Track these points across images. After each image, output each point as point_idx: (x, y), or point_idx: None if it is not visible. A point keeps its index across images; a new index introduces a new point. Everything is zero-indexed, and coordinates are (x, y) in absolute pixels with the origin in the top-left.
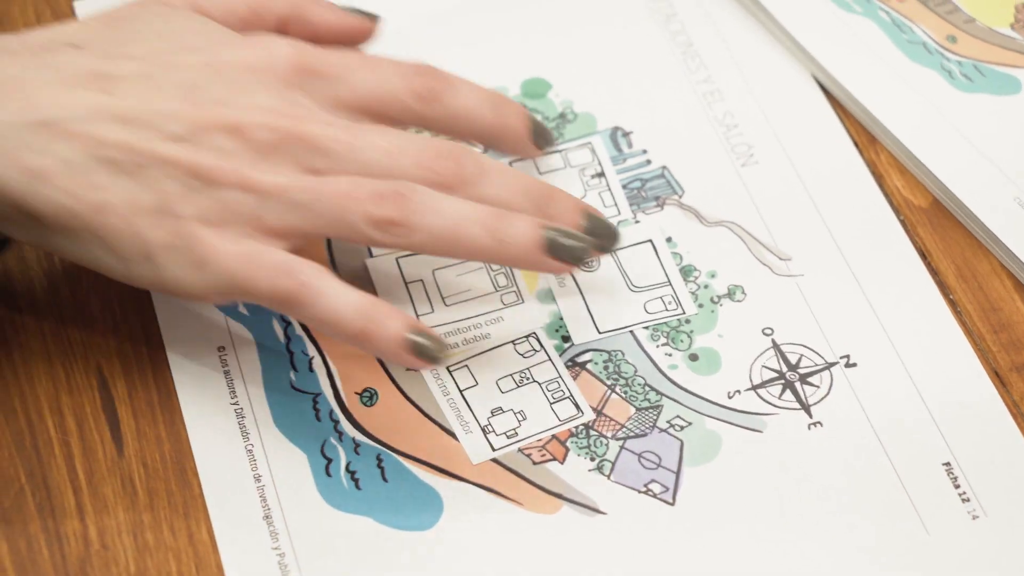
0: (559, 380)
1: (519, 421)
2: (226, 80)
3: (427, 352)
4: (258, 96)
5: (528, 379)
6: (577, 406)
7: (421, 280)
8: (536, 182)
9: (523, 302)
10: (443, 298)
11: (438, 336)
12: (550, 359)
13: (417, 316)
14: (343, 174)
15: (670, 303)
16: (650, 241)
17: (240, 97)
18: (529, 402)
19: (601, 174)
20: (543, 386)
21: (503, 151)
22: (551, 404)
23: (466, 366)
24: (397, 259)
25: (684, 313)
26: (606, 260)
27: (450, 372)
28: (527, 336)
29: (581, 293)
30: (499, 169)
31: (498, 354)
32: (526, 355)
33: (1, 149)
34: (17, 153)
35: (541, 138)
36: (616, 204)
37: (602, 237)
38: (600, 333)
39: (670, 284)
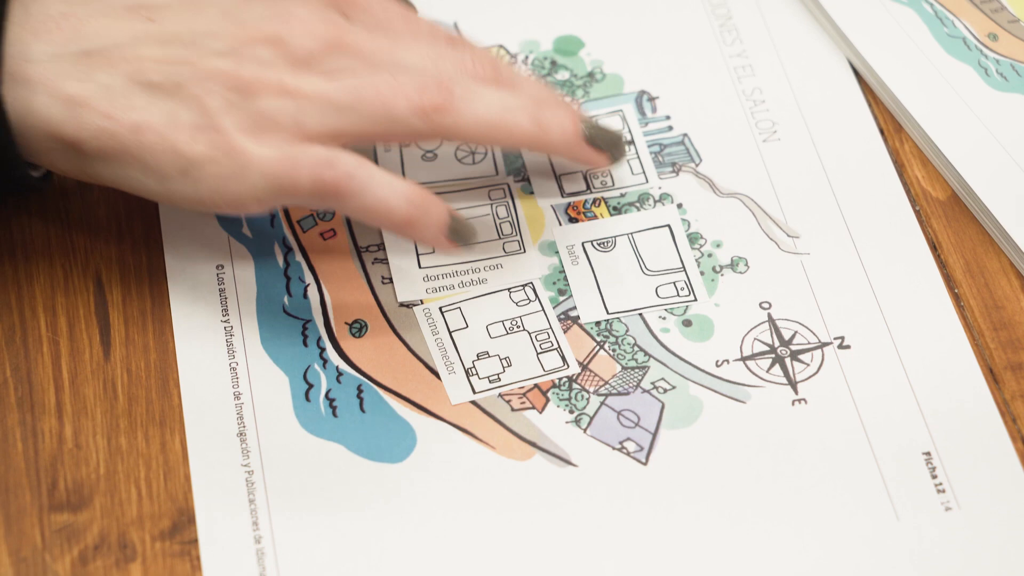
0: (549, 331)
1: (503, 367)
2: (267, 1)
3: (463, 236)
4: (298, 11)
5: (519, 327)
6: (564, 359)
7: None
8: (551, 96)
9: (524, 252)
10: None
11: (470, 223)
12: (543, 310)
13: (418, 255)
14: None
15: (682, 289)
16: (668, 226)
17: (281, 12)
18: (516, 349)
19: (631, 141)
20: (532, 335)
21: (549, 152)
22: (538, 354)
23: (458, 308)
24: None
25: (696, 300)
26: (622, 241)
27: (442, 312)
28: (523, 285)
29: (593, 271)
30: (531, 81)
31: (492, 300)
32: (520, 303)
33: (43, 80)
34: (58, 83)
35: (599, 141)
36: (644, 172)
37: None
38: (609, 313)
39: (684, 270)
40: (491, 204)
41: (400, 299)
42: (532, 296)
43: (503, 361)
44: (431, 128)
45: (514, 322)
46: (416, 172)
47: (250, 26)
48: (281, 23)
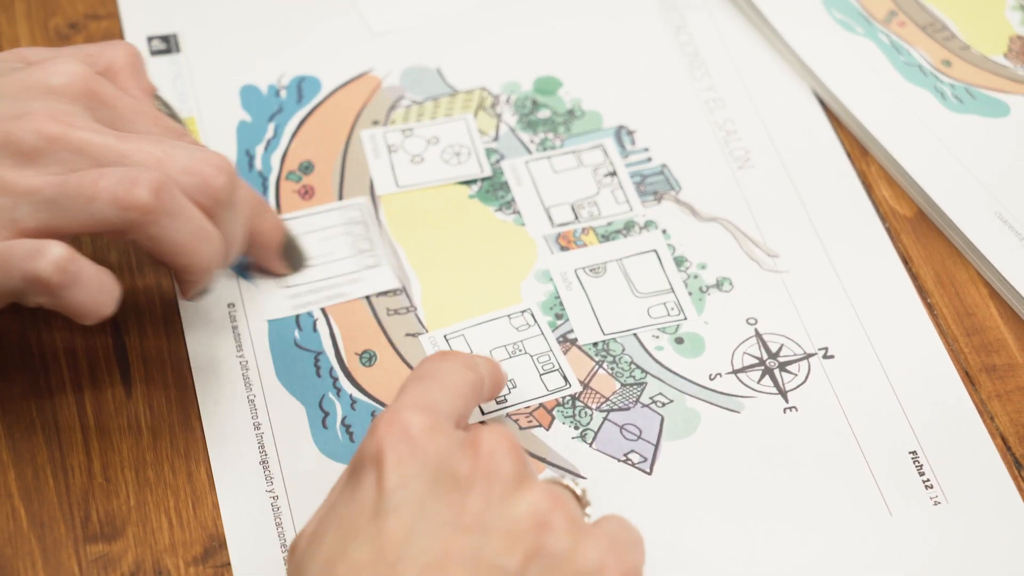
0: (550, 354)
1: (509, 389)
2: (8, 97)
3: (294, 259)
4: (35, 105)
5: (521, 351)
6: (565, 378)
7: None
8: (266, 228)
9: (381, 265)
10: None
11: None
12: (543, 333)
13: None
14: None
15: (672, 309)
16: (655, 251)
17: (19, 109)
18: (520, 372)
19: (613, 173)
20: (534, 358)
21: (250, 253)
22: (541, 375)
23: (462, 335)
24: None
25: (686, 319)
26: (612, 267)
27: (447, 340)
28: (522, 311)
29: (587, 296)
30: (249, 203)
31: (494, 326)
32: (520, 328)
33: None
34: None
35: (289, 257)
36: (628, 200)
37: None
38: (605, 334)
39: (673, 291)
40: (347, 225)
41: (267, 317)
42: (531, 321)
43: (508, 383)
44: (127, 224)
45: (516, 346)
46: (406, 174)
47: None
48: (12, 122)
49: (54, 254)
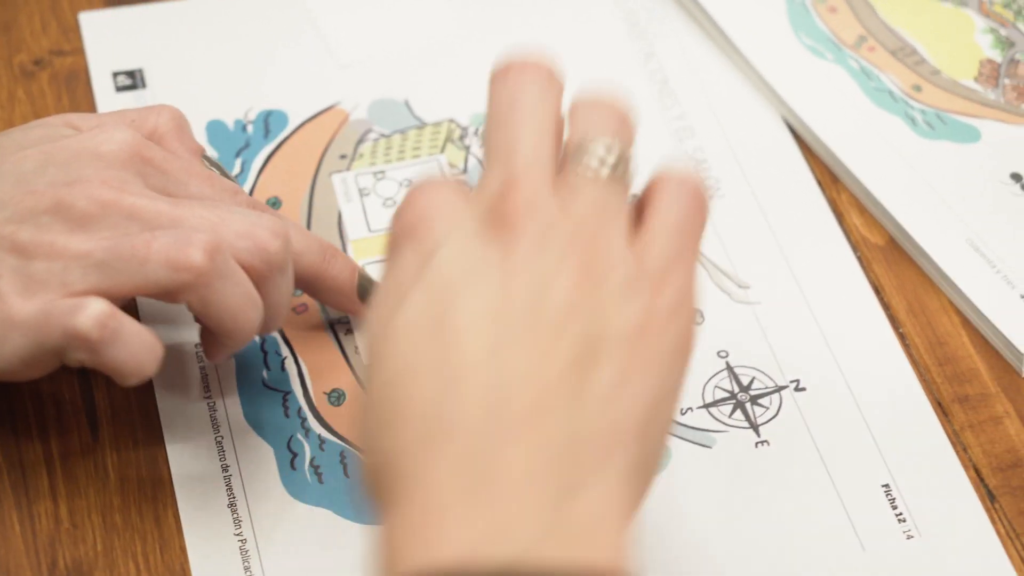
0: None
1: None
2: (60, 164)
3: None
4: (87, 171)
5: None
6: None
7: None
8: (338, 272)
9: None
10: None
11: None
12: None
13: None
14: None
15: None
16: None
17: (69, 177)
18: None
19: None
20: None
21: (326, 301)
22: None
23: None
24: None
25: None
26: None
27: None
28: None
29: None
30: (318, 251)
31: None
32: None
33: None
34: None
35: (366, 296)
36: None
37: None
38: None
39: None
40: None
41: None
42: None
43: None
44: (180, 286)
45: None
46: (379, 218)
47: (38, 193)
48: (65, 188)
49: (94, 309)
